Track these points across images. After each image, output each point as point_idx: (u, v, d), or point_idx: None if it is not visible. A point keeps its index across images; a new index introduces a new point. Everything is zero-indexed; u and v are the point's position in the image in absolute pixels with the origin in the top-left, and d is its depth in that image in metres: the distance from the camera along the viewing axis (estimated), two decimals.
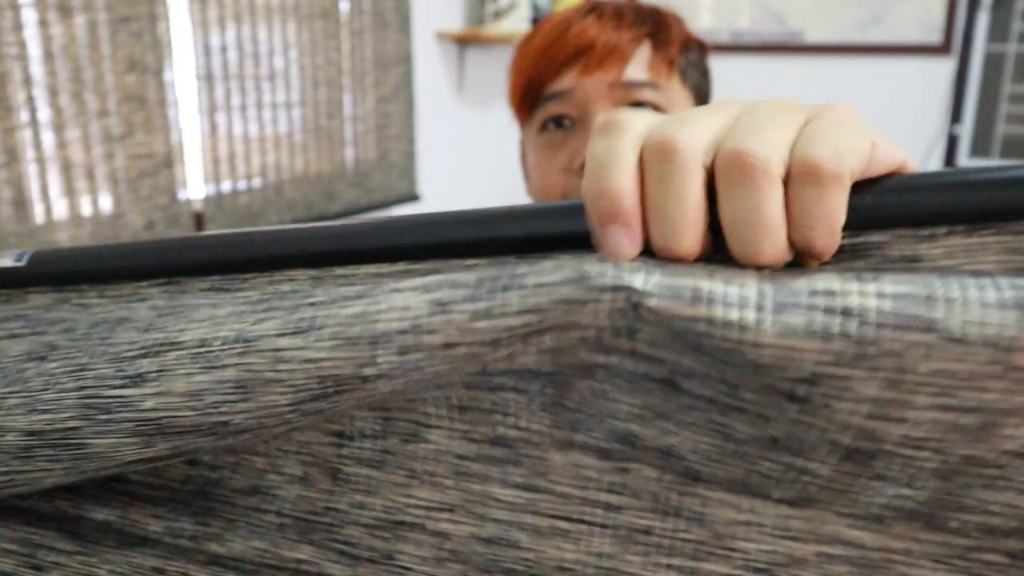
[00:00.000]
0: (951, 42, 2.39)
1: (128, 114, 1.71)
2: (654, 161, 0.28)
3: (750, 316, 0.29)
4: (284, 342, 0.33)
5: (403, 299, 0.32)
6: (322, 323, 0.33)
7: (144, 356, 0.35)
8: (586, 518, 0.38)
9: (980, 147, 2.46)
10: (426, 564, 0.39)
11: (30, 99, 1.56)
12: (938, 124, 2.46)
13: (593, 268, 0.30)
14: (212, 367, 0.34)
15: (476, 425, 0.37)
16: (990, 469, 0.31)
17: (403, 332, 0.32)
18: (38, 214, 1.62)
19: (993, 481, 0.32)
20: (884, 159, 0.29)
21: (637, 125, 0.29)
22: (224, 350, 0.34)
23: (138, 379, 0.34)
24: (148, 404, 0.34)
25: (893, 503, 0.35)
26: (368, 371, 0.33)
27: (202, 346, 0.34)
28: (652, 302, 0.30)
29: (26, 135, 1.57)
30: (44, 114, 1.58)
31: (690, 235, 0.28)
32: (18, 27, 1.50)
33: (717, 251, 0.30)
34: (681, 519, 0.37)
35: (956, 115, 2.40)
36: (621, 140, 0.29)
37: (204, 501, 0.42)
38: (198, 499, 0.42)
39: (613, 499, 0.37)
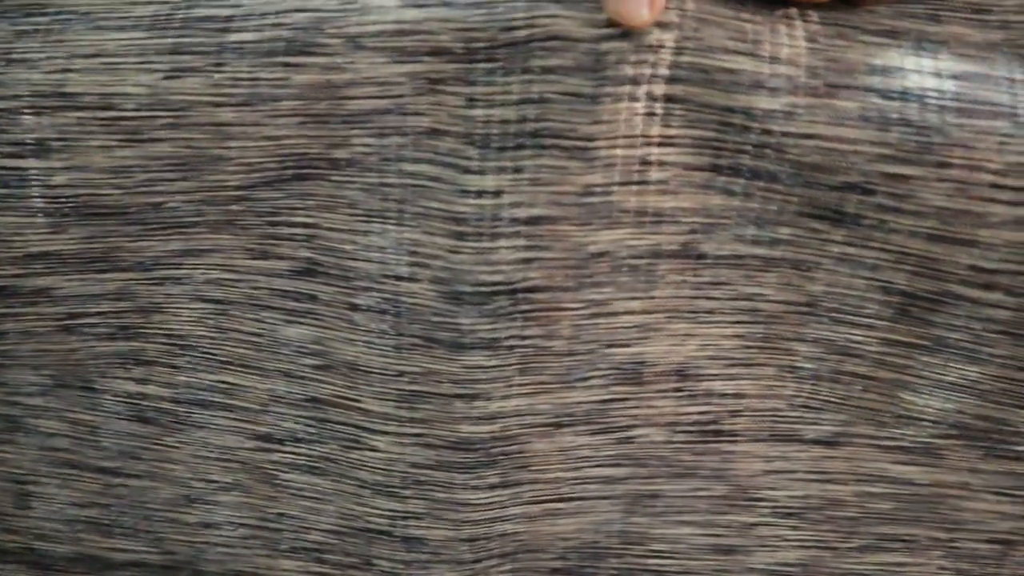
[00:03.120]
0: None
1: None
2: None
3: (796, 101, 0.25)
4: (228, 115, 0.27)
5: (373, 67, 0.26)
6: (271, 94, 0.27)
7: (30, 112, 0.27)
8: (580, 495, 0.34)
9: None
10: (410, 568, 0.35)
11: None
12: None
13: (610, 47, 0.25)
14: (137, 140, 0.27)
15: (432, 426, 0.31)
16: None
17: (385, 112, 0.27)
18: None
19: None
20: None
21: None
22: (146, 119, 0.27)
23: (38, 149, 0.28)
24: (59, 179, 0.28)
25: (951, 403, 0.30)
26: (340, 153, 0.28)
27: (109, 108, 0.27)
28: (680, 90, 0.26)
29: None
30: None
31: None
32: None
33: None
34: (696, 479, 0.34)
35: None
36: None
37: (147, 522, 0.36)
38: (141, 520, 0.36)
39: (611, 472, 0.33)
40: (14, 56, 0.27)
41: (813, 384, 0.31)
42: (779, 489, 0.33)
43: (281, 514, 0.35)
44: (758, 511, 0.33)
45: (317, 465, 0.33)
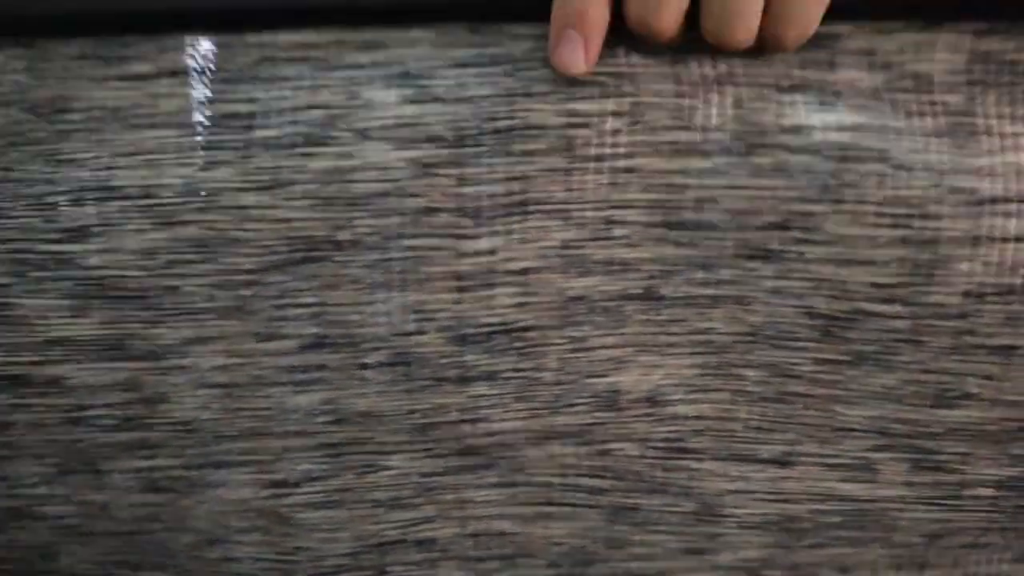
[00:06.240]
0: None
1: None
2: None
3: (723, 161, 0.32)
4: (250, 199, 0.31)
5: (378, 153, 0.31)
6: (289, 178, 0.31)
7: (77, 204, 0.31)
8: (568, 501, 0.38)
9: None
10: (421, 568, 0.39)
11: None
12: None
13: (577, 133, 0.31)
14: (168, 223, 0.31)
15: (441, 441, 0.36)
16: (955, 321, 0.33)
17: (384, 195, 0.31)
18: None
19: (960, 340, 0.34)
20: None
21: None
22: (180, 204, 0.31)
23: (78, 233, 0.31)
24: (92, 261, 0.32)
25: (875, 410, 0.36)
26: (343, 235, 0.32)
27: (148, 197, 0.31)
28: (632, 162, 0.32)
29: None
30: None
31: (670, 12, 0.29)
32: None
33: (689, 30, 0.31)
34: (668, 495, 0.37)
35: None
36: None
37: (173, 559, 0.39)
38: (167, 559, 0.39)
39: (595, 483, 0.38)
40: (60, 157, 0.31)
41: (761, 406, 0.36)
42: (740, 507, 0.37)
43: (298, 547, 0.38)
44: (724, 524, 0.38)
45: (332, 498, 0.36)
